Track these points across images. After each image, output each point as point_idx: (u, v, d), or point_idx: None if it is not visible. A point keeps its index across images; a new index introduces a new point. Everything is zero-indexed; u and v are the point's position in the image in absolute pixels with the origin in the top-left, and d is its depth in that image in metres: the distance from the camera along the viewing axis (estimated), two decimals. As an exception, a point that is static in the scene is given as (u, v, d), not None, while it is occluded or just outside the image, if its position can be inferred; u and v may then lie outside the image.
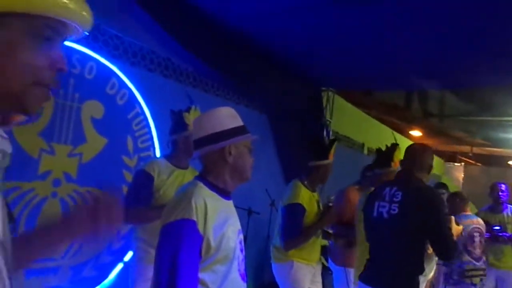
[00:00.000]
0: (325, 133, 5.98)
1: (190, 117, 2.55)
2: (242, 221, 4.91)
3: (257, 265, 5.18)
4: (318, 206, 3.23)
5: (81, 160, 3.25)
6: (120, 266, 3.56)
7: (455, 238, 2.49)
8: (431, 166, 2.58)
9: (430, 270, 2.70)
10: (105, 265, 3.48)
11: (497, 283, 4.61)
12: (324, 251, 3.68)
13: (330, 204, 3.20)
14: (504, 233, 4.48)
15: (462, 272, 3.79)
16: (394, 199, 2.43)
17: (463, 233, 3.84)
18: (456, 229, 2.55)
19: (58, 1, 0.73)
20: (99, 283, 3.43)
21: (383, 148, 3.27)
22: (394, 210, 2.42)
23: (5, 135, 0.86)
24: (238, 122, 1.62)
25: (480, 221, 4.01)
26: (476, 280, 3.84)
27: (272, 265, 3.28)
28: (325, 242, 3.79)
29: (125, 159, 3.57)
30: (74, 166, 3.21)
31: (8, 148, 1.49)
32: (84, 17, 0.78)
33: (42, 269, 3.04)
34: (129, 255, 3.46)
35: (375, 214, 2.51)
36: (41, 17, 0.72)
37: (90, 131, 3.30)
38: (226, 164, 1.57)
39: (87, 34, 0.82)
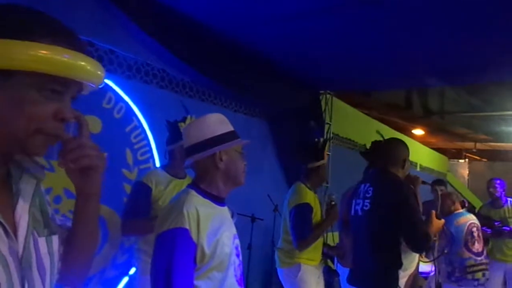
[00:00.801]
0: (325, 136, 5.99)
1: None
2: (246, 228, 4.93)
3: (263, 271, 5.16)
4: (321, 206, 3.30)
5: (81, 175, 3.26)
6: (125, 280, 3.55)
7: (434, 231, 2.44)
8: (404, 160, 2.54)
9: (410, 265, 2.62)
10: (111, 280, 3.47)
11: (506, 277, 4.60)
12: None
13: (333, 203, 3.23)
14: (506, 227, 4.48)
15: (463, 268, 3.79)
16: (367, 195, 2.44)
17: (464, 230, 3.83)
18: (437, 223, 2.49)
19: (77, 65, 0.79)
20: (105, 297, 3.42)
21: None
22: (366, 206, 2.43)
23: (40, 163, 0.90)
24: (228, 127, 1.62)
25: (473, 216, 4.03)
26: (479, 275, 3.83)
27: (278, 270, 3.28)
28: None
29: (125, 172, 3.58)
30: (74, 182, 3.22)
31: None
32: (99, 76, 0.82)
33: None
34: (134, 269, 3.46)
35: (352, 212, 2.53)
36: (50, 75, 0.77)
37: (89, 146, 3.30)
38: (218, 170, 1.57)
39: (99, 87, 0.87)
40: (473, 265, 3.80)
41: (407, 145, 2.67)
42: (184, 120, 2.68)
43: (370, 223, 2.41)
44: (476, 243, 3.87)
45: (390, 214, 2.34)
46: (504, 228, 4.46)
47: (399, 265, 2.31)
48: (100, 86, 0.88)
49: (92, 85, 0.86)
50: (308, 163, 3.26)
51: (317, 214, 3.14)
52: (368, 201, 2.43)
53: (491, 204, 4.76)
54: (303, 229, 3.05)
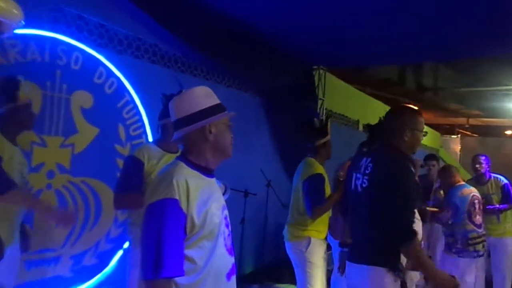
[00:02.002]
0: (318, 111, 6.00)
1: None
2: (239, 203, 4.99)
3: (255, 245, 5.24)
4: (329, 181, 3.41)
5: (73, 150, 3.27)
6: (120, 253, 3.61)
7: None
8: (404, 129, 2.28)
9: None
10: (105, 253, 3.53)
11: (490, 249, 4.73)
12: None
13: (341, 179, 3.31)
14: (488, 206, 4.56)
15: (466, 240, 3.84)
16: (366, 171, 2.31)
17: (468, 201, 3.88)
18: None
19: None
20: (100, 271, 3.48)
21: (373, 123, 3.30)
22: (365, 183, 2.30)
23: None
24: (215, 100, 1.63)
25: (475, 188, 4.06)
26: (479, 247, 3.90)
27: (287, 244, 3.35)
28: None
29: (118, 147, 3.59)
30: (67, 157, 3.23)
31: None
32: (13, 13, 0.80)
33: (42, 260, 3.09)
34: (128, 243, 3.51)
35: (352, 187, 2.40)
36: None
37: (81, 121, 3.31)
38: (207, 143, 1.58)
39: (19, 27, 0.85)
40: (476, 237, 3.86)
41: (413, 113, 2.39)
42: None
43: (368, 202, 2.28)
44: (477, 215, 3.93)
45: (382, 194, 2.20)
46: (487, 207, 4.53)
47: (400, 241, 2.15)
48: (18, 26, 0.85)
49: (10, 23, 0.82)
50: (315, 141, 3.35)
51: (327, 188, 3.24)
52: (366, 178, 2.30)
53: (475, 180, 4.81)
54: (318, 197, 3.15)
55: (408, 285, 2.22)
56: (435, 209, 4.26)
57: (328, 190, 3.28)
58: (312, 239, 3.19)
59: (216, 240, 1.53)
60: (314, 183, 3.19)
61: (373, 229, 2.25)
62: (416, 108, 2.48)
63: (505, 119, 10.89)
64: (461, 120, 12.39)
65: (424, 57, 5.68)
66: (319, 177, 3.20)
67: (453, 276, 2.17)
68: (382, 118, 2.59)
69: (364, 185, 2.31)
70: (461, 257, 3.90)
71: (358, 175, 2.36)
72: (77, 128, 3.28)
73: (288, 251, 3.35)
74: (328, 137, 3.37)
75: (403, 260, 2.19)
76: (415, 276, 3.04)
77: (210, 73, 4.62)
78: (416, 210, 2.29)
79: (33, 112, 2.53)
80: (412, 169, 2.27)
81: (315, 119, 3.50)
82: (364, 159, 2.37)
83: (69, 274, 3.26)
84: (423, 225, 4.98)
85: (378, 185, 2.23)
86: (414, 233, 2.11)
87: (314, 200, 3.15)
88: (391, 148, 2.31)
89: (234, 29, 4.28)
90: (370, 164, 2.30)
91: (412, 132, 2.30)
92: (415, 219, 2.21)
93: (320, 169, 3.26)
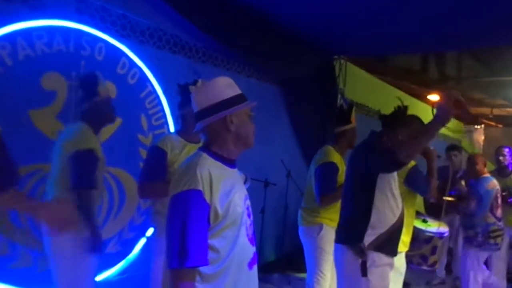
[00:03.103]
0: (339, 101, 5.95)
1: None
2: (259, 193, 5.00)
3: (276, 235, 5.27)
4: None
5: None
6: (143, 241, 3.68)
7: None
8: (403, 135, 2.43)
9: (380, 224, 2.38)
10: (129, 241, 3.61)
11: (511, 240, 4.77)
12: None
13: None
14: (510, 198, 4.51)
15: (487, 233, 3.82)
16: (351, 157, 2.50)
17: (492, 195, 3.84)
18: None
19: None
20: (123, 258, 3.56)
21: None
22: (348, 169, 2.48)
23: None
24: (236, 90, 1.63)
25: (496, 181, 4.00)
26: (499, 240, 3.88)
27: (300, 228, 3.38)
28: None
29: (141, 137, 3.64)
30: (92, 147, 3.29)
31: None
32: None
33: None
34: (151, 230, 3.57)
35: (346, 173, 2.56)
36: None
37: (105, 111, 3.35)
38: (229, 133, 1.60)
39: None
40: (496, 230, 3.84)
41: (422, 122, 2.53)
42: (195, 83, 2.68)
43: (345, 185, 2.46)
44: (499, 208, 3.90)
45: (354, 174, 2.37)
46: (509, 199, 4.47)
47: (366, 222, 2.28)
48: None
49: None
50: (335, 127, 3.34)
51: (341, 176, 3.18)
52: (349, 163, 2.49)
53: (497, 172, 4.73)
54: (327, 185, 3.15)
55: (378, 269, 2.26)
56: (452, 199, 4.19)
57: (342, 178, 3.25)
58: (324, 226, 3.20)
59: (238, 230, 1.56)
60: (325, 171, 3.18)
61: (345, 210, 2.41)
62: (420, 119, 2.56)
63: (530, 109, 10.60)
64: (485, 110, 12.11)
65: (446, 46, 5.56)
66: (332, 165, 3.18)
67: (427, 282, 2.35)
68: (396, 108, 2.62)
69: (348, 171, 2.49)
70: (483, 250, 3.87)
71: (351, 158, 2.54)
72: (101, 118, 3.34)
73: (300, 235, 3.38)
74: (350, 126, 3.32)
75: (367, 241, 2.27)
76: (402, 266, 3.02)
77: (231, 63, 4.62)
78: (391, 201, 2.36)
79: (113, 106, 2.71)
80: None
81: (343, 103, 3.48)
82: (357, 147, 2.57)
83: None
84: (446, 217, 4.96)
85: (355, 168, 2.38)
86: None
87: (323, 188, 3.15)
88: (378, 141, 2.42)
89: (255, 19, 4.26)
90: (354, 151, 2.49)
91: (408, 137, 2.40)
92: (389, 210, 2.33)
93: (335, 157, 3.23)
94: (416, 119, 2.54)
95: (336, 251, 2.45)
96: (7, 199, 1.77)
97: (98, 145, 2.58)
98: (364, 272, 2.21)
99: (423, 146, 2.39)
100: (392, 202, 2.34)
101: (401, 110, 2.56)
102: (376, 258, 2.25)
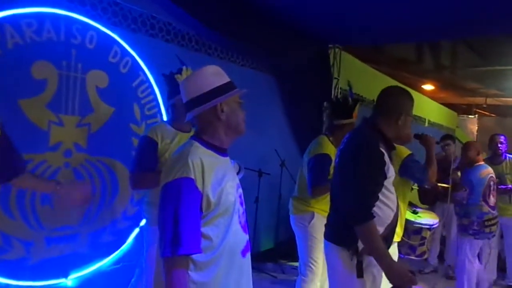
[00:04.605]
0: (333, 91, 5.93)
1: (183, 78, 2.53)
2: (253, 182, 5.00)
3: (270, 224, 5.28)
4: None
5: (90, 130, 3.30)
6: (136, 231, 3.67)
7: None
8: (400, 114, 2.16)
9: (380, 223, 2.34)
10: (122, 230, 3.60)
11: (502, 229, 4.76)
12: None
13: None
14: (502, 186, 4.54)
15: (482, 222, 3.83)
16: (341, 147, 2.24)
17: (485, 183, 3.83)
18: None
19: None
20: (117, 247, 3.55)
21: None
22: (337, 158, 2.26)
23: None
24: (225, 78, 1.63)
25: (490, 169, 4.00)
26: (494, 228, 3.89)
27: (291, 217, 3.38)
28: None
29: (133, 127, 3.61)
30: (84, 136, 3.26)
31: None
32: None
33: (61, 237, 3.16)
34: (144, 220, 3.56)
35: (335, 163, 2.34)
36: None
37: (96, 100, 3.32)
38: (220, 122, 1.59)
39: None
40: (491, 219, 3.84)
41: (411, 97, 2.26)
42: (180, 71, 2.65)
43: (336, 178, 2.24)
44: (492, 197, 3.90)
45: (344, 171, 2.14)
46: (500, 186, 4.49)
47: (353, 221, 2.05)
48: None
49: None
50: (335, 119, 3.31)
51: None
52: (339, 153, 2.26)
53: (490, 159, 4.76)
54: (319, 176, 3.13)
55: (373, 269, 2.11)
56: (446, 185, 4.19)
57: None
58: (316, 214, 3.20)
59: (231, 218, 1.56)
60: (318, 162, 3.17)
61: (337, 206, 2.22)
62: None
63: (524, 98, 10.65)
64: (479, 100, 12.14)
65: (441, 35, 5.54)
66: (325, 157, 3.16)
67: (412, 272, 2.02)
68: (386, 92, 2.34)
69: (336, 161, 2.28)
70: (478, 238, 3.88)
71: (338, 152, 2.31)
72: (93, 107, 3.30)
73: (292, 224, 3.38)
74: (350, 120, 3.28)
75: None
76: (394, 255, 3.00)
77: (224, 52, 4.58)
78: (389, 196, 2.14)
79: None
80: (383, 151, 2.10)
81: (348, 96, 3.43)
82: (346, 136, 2.29)
83: (87, 250, 3.33)
84: (440, 205, 4.97)
85: (343, 161, 2.17)
86: (369, 215, 2.00)
87: (315, 179, 3.14)
88: (373, 127, 2.18)
89: (249, 8, 4.22)
90: (345, 140, 2.24)
91: (406, 118, 2.18)
92: (383, 205, 2.10)
93: (329, 149, 3.21)
94: (406, 94, 2.28)
95: (328, 250, 2.29)
96: (22, 181, 1.87)
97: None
98: (360, 273, 2.08)
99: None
100: (390, 198, 2.18)
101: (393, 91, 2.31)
102: (372, 258, 2.08)
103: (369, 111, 2.47)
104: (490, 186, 3.89)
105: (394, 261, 2.07)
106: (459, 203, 4.00)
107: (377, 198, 2.08)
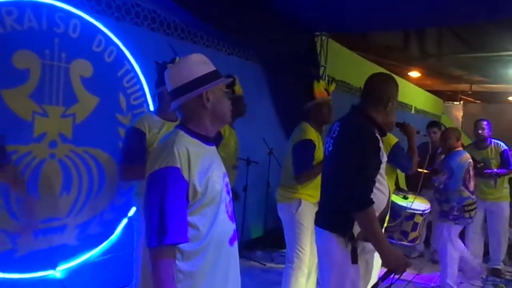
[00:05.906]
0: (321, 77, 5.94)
1: None
2: (241, 171, 4.98)
3: (258, 212, 5.30)
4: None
5: (75, 120, 3.26)
6: (124, 221, 3.66)
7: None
8: (389, 99, 2.18)
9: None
10: (110, 222, 3.58)
11: (486, 214, 4.83)
12: None
13: None
14: (487, 170, 4.60)
15: (462, 207, 3.86)
16: (333, 135, 2.24)
17: (465, 168, 3.88)
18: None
19: None
20: (105, 239, 3.54)
21: None
22: (330, 146, 2.25)
23: None
24: (210, 67, 1.61)
25: (469, 154, 4.05)
26: (473, 213, 3.94)
27: (278, 206, 3.36)
28: None
29: (119, 116, 3.57)
30: (69, 127, 3.22)
31: None
32: None
33: (49, 229, 3.13)
34: (133, 211, 3.55)
35: (325, 151, 2.35)
36: None
37: (81, 90, 3.28)
38: (206, 110, 1.58)
39: None
40: (471, 204, 3.88)
41: (397, 83, 2.29)
42: (173, 61, 2.62)
43: (330, 166, 2.24)
44: (471, 182, 3.94)
45: (340, 158, 2.16)
46: (486, 170, 4.56)
47: (351, 208, 2.05)
48: None
49: None
50: (305, 102, 3.29)
51: (318, 153, 3.16)
52: (332, 141, 2.24)
53: (475, 144, 4.82)
54: (304, 163, 3.13)
55: (366, 255, 2.15)
56: (426, 171, 4.22)
57: (320, 155, 3.17)
58: (303, 201, 3.18)
59: (218, 207, 1.55)
60: (302, 148, 3.16)
61: (331, 193, 2.23)
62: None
63: (508, 85, 10.79)
64: (464, 87, 12.28)
65: (427, 22, 5.56)
66: (309, 142, 3.15)
67: (406, 255, 2.08)
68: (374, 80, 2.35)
69: (329, 148, 2.27)
70: (458, 224, 3.94)
71: (328, 139, 2.31)
72: (77, 97, 3.26)
73: (279, 212, 3.37)
74: (319, 100, 3.24)
75: (357, 230, 2.09)
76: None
77: (210, 41, 4.54)
78: (382, 182, 2.16)
79: (245, 103, 3.30)
80: (378, 136, 2.13)
81: (314, 80, 3.40)
82: (335, 123, 2.31)
83: (75, 242, 3.31)
84: (425, 192, 5.03)
85: (339, 148, 2.18)
86: (368, 202, 2.02)
87: (300, 165, 3.14)
88: (361, 115, 2.21)
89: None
90: (338, 128, 2.24)
91: (393, 104, 2.21)
92: (377, 191, 2.11)
93: (312, 134, 3.19)
94: (392, 80, 2.30)
95: (321, 237, 2.27)
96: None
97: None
98: (355, 259, 2.09)
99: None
100: (383, 184, 2.19)
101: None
102: (366, 244, 2.13)
103: (356, 98, 2.48)
104: (469, 171, 3.94)
105: (391, 245, 2.11)
106: (440, 189, 4.03)
107: (374, 184, 2.11)
